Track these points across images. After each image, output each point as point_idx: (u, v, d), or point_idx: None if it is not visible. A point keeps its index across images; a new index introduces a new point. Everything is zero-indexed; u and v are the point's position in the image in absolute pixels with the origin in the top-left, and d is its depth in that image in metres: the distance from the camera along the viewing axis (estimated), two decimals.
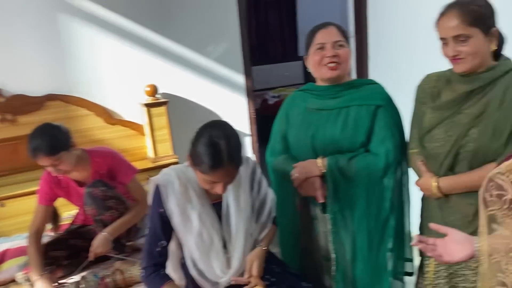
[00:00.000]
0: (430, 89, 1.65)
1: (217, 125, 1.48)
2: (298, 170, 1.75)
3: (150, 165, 2.69)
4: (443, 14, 1.51)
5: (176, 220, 1.53)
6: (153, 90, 2.69)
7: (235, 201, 1.61)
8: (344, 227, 1.77)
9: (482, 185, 0.96)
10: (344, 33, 1.78)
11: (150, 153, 2.77)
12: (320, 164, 1.72)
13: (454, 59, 1.49)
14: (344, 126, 1.74)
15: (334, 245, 1.79)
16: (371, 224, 1.77)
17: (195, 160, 1.42)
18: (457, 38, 1.47)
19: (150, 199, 1.57)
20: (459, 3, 1.48)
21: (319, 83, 1.86)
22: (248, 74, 3.12)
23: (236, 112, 3.08)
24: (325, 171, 1.71)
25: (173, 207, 1.52)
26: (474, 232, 1.51)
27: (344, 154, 1.74)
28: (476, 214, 1.51)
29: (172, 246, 1.61)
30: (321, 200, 1.72)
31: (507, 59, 1.54)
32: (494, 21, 1.50)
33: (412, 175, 1.79)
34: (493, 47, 1.49)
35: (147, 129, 2.72)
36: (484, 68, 1.51)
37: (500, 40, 1.55)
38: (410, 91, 1.84)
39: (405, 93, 1.88)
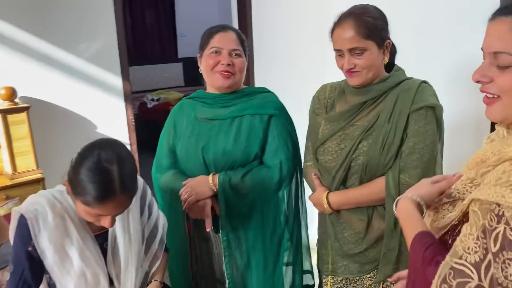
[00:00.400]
0: (325, 100, 1.64)
1: (106, 144, 1.23)
2: (187, 191, 1.60)
3: (8, 182, 2.30)
4: (338, 24, 1.48)
5: (50, 259, 1.26)
6: (10, 94, 2.29)
7: (124, 231, 1.38)
8: (238, 247, 1.69)
9: (436, 277, 0.82)
10: (243, 42, 1.70)
11: (7, 168, 2.37)
12: (211, 183, 1.61)
13: (349, 72, 1.48)
14: (237, 137, 1.65)
15: (228, 267, 1.68)
16: (267, 241, 1.71)
17: (76, 189, 1.18)
18: (353, 51, 1.45)
19: (11, 234, 1.27)
20: (353, 14, 1.46)
21: (210, 90, 1.76)
22: (125, 75, 2.86)
23: (113, 118, 2.80)
24: (217, 190, 1.61)
25: (46, 244, 1.25)
26: (367, 249, 1.50)
27: (236, 168, 1.65)
28: (367, 229, 1.51)
29: None
30: (208, 229, 1.60)
31: (399, 69, 1.57)
32: (387, 32, 1.51)
33: (307, 187, 1.76)
34: (386, 59, 1.51)
35: (2, 140, 2.32)
36: (377, 79, 1.51)
37: (393, 51, 1.57)
38: (294, 99, 1.83)
39: (289, 101, 1.85)
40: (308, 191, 1.77)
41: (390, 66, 1.57)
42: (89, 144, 1.24)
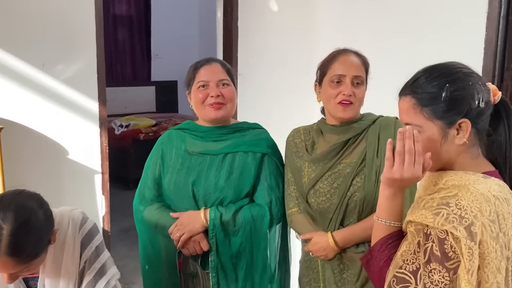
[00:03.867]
0: (302, 142, 1.82)
1: (14, 199, 1.33)
2: (178, 228, 1.76)
3: None
4: (342, 53, 1.71)
5: None
6: None
7: (53, 284, 1.48)
8: (227, 285, 1.82)
9: (386, 285, 1.14)
10: (229, 71, 1.88)
11: None
12: (203, 218, 1.76)
13: (343, 102, 1.69)
14: (229, 174, 1.82)
15: None
16: (256, 283, 1.84)
17: None
18: (356, 79, 1.68)
19: None
20: (351, 50, 1.72)
21: (201, 122, 1.93)
22: (102, 99, 3.04)
23: (86, 144, 2.97)
24: (208, 225, 1.76)
25: None
26: (366, 284, 1.67)
27: (227, 205, 1.80)
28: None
29: None
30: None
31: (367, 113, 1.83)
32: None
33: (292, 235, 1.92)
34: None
35: None
36: (354, 118, 1.75)
37: None
38: (279, 133, 2.02)
39: (273, 135, 2.05)
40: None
41: None
42: (2, 195, 1.34)
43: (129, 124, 6.50)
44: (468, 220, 1.05)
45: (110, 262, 1.59)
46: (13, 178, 2.64)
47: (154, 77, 8.33)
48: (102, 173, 3.09)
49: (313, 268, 1.80)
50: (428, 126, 1.19)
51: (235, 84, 1.92)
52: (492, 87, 1.22)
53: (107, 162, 3.12)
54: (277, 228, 1.91)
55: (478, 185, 1.12)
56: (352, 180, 1.69)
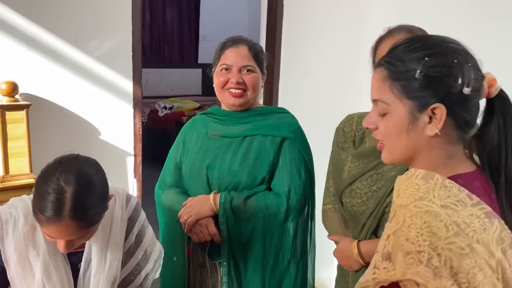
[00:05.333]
0: (352, 132, 1.63)
1: (74, 163, 1.28)
2: (187, 211, 1.68)
3: None
4: (389, 35, 1.49)
5: (12, 269, 1.33)
6: (11, 89, 2.40)
7: (100, 255, 1.42)
8: (237, 277, 1.72)
9: None
10: (256, 55, 1.78)
11: None
12: (212, 201, 1.67)
13: None
14: (244, 158, 1.73)
15: None
16: (266, 276, 1.73)
17: (33, 201, 1.24)
18: None
19: None
20: (406, 29, 1.48)
21: (224, 106, 1.84)
22: (137, 79, 2.95)
23: (118, 125, 2.89)
24: (218, 210, 1.67)
25: (11, 251, 1.33)
26: None
27: (241, 191, 1.71)
28: None
29: None
30: (218, 241, 1.67)
31: None
32: None
33: (320, 225, 1.77)
34: None
35: None
36: None
37: None
38: (319, 124, 1.85)
39: (313, 126, 1.88)
40: (319, 230, 1.79)
41: None
42: (60, 158, 1.29)
43: (173, 106, 6.50)
44: (426, 253, 0.85)
45: (156, 246, 1.58)
46: (41, 158, 2.57)
47: (201, 59, 8.31)
48: (135, 156, 3.00)
49: (344, 277, 1.63)
50: (395, 106, 0.99)
51: (262, 69, 1.82)
52: (489, 76, 0.97)
53: (140, 144, 3.03)
54: (300, 218, 1.79)
55: (420, 202, 0.90)
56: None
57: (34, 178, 2.46)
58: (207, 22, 8.24)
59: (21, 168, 2.46)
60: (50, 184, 1.20)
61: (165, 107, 6.52)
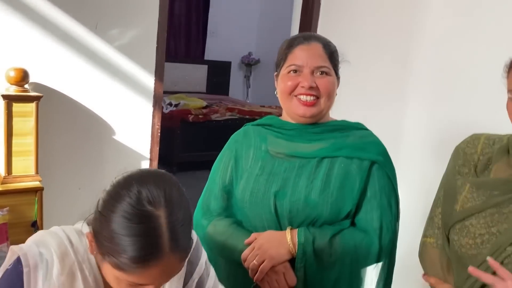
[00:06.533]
0: (475, 155, 1.34)
1: (149, 178, 0.98)
2: (256, 253, 1.35)
3: None
4: None
5: None
6: (21, 77, 2.08)
7: None
8: None
9: None
10: (332, 55, 1.48)
11: (0, 169, 2.15)
12: (289, 242, 1.36)
13: None
14: (325, 185, 1.41)
15: None
16: None
17: (104, 245, 0.93)
18: None
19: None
20: None
21: (286, 118, 1.53)
22: (159, 74, 2.67)
23: (136, 124, 2.59)
24: (296, 252, 1.36)
25: None
26: None
27: (322, 227, 1.40)
28: None
29: None
30: None
31: None
32: None
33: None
34: None
35: (1, 133, 2.11)
36: None
37: None
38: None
39: None
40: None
41: None
42: (124, 178, 0.99)
43: (179, 103, 6.19)
44: None
45: (217, 284, 1.29)
46: (49, 156, 2.29)
47: (208, 55, 8.06)
48: (151, 160, 2.71)
49: None
50: None
51: (337, 72, 1.53)
52: None
53: (157, 148, 2.73)
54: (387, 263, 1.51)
55: None
56: None
57: (39, 181, 2.16)
58: (216, 17, 8.01)
59: (26, 169, 2.15)
60: (130, 214, 0.91)
61: (170, 104, 6.22)
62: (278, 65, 1.51)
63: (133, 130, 2.58)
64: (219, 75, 8.07)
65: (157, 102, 2.65)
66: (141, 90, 2.57)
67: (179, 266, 0.99)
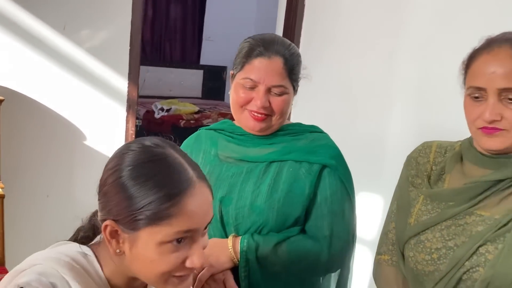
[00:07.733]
0: (427, 165, 1.27)
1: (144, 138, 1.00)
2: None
3: None
4: (488, 50, 1.13)
5: None
6: None
7: None
8: None
9: None
10: (292, 71, 1.38)
11: None
12: (231, 249, 1.32)
13: (488, 128, 1.11)
14: (272, 191, 1.35)
15: None
16: None
17: (132, 206, 0.87)
18: (505, 94, 1.09)
19: None
20: (510, 40, 1.12)
21: (239, 124, 1.47)
22: (133, 78, 2.59)
23: (108, 129, 2.52)
24: (239, 261, 1.32)
25: None
26: None
27: (267, 234, 1.35)
28: None
29: None
30: None
31: None
32: None
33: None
34: None
35: None
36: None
37: None
38: (345, 143, 1.52)
39: (339, 146, 1.52)
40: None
41: None
42: (118, 149, 0.97)
43: (171, 108, 6.14)
44: None
45: None
46: (13, 162, 2.22)
47: (203, 60, 8.02)
48: None
49: None
50: None
51: (296, 86, 1.43)
52: None
53: None
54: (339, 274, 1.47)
55: None
56: (481, 245, 1.10)
57: (2, 188, 2.08)
58: (212, 22, 7.97)
59: None
60: (145, 160, 0.90)
61: (162, 109, 6.16)
62: (235, 67, 1.42)
63: (105, 136, 2.52)
64: (214, 79, 8.02)
65: (131, 106, 2.58)
66: (114, 94, 2.50)
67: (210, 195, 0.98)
